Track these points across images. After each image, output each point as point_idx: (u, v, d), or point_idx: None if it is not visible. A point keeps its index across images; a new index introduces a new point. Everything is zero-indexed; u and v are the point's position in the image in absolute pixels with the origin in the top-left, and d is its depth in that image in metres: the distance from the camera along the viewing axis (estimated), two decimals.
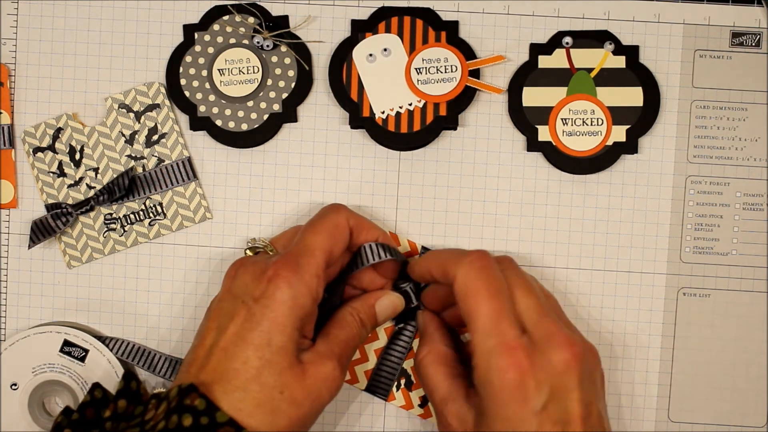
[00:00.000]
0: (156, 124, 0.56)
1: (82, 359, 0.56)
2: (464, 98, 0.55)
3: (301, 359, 0.48)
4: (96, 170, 0.56)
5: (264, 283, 0.48)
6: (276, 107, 0.56)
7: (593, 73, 0.55)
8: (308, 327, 0.49)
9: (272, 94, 0.56)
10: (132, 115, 0.56)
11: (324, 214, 0.52)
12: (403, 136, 0.55)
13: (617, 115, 0.55)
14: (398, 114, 0.55)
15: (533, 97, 0.56)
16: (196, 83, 0.56)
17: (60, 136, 0.56)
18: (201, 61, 0.56)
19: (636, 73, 0.55)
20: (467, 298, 0.47)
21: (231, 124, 0.56)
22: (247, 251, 0.54)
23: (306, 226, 0.51)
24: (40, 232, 0.55)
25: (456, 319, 0.54)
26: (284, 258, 0.48)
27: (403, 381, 0.56)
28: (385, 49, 0.55)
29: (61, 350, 0.56)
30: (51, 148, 0.56)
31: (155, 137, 0.56)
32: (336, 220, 0.51)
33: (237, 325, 0.47)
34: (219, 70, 0.56)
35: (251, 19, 0.56)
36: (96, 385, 0.50)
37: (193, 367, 0.48)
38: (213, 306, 0.50)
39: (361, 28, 0.56)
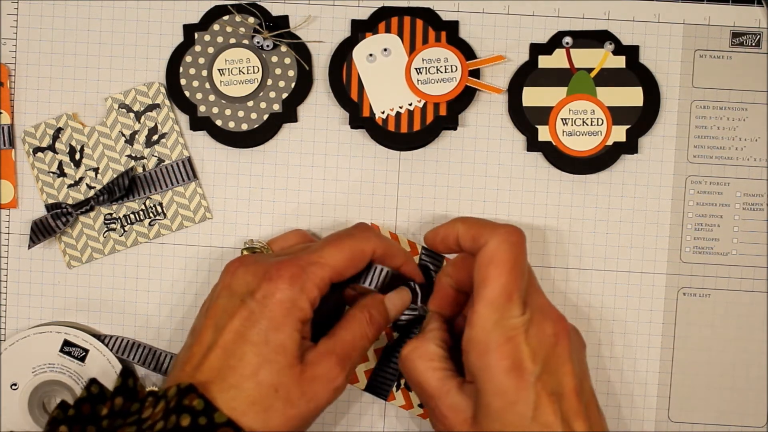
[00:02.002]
0: (156, 124, 0.56)
1: (82, 359, 0.56)
2: (464, 98, 0.55)
3: (303, 359, 0.48)
4: (96, 170, 0.56)
5: (265, 283, 0.47)
6: (276, 107, 0.56)
7: (593, 73, 0.55)
8: (305, 329, 0.49)
9: (272, 94, 0.56)
10: (132, 115, 0.56)
11: (353, 234, 0.51)
12: (403, 136, 0.55)
13: (617, 115, 0.55)
14: (398, 114, 0.55)
15: (533, 97, 0.56)
16: (196, 83, 0.56)
17: (60, 136, 0.56)
18: (201, 61, 0.56)
19: (636, 73, 0.55)
20: (490, 266, 0.47)
21: (231, 124, 0.56)
22: (244, 251, 0.53)
23: (332, 237, 0.50)
24: (40, 232, 0.55)
25: (459, 326, 0.53)
26: (290, 261, 0.48)
27: (403, 381, 0.56)
28: (385, 49, 0.55)
29: (61, 350, 0.56)
30: (51, 148, 0.56)
31: (155, 137, 0.56)
32: (362, 246, 0.50)
33: (237, 323, 0.47)
34: (219, 70, 0.56)
35: (251, 19, 0.56)
36: (93, 381, 0.50)
37: (188, 366, 0.47)
38: (209, 303, 0.50)
39: (361, 28, 0.56)
